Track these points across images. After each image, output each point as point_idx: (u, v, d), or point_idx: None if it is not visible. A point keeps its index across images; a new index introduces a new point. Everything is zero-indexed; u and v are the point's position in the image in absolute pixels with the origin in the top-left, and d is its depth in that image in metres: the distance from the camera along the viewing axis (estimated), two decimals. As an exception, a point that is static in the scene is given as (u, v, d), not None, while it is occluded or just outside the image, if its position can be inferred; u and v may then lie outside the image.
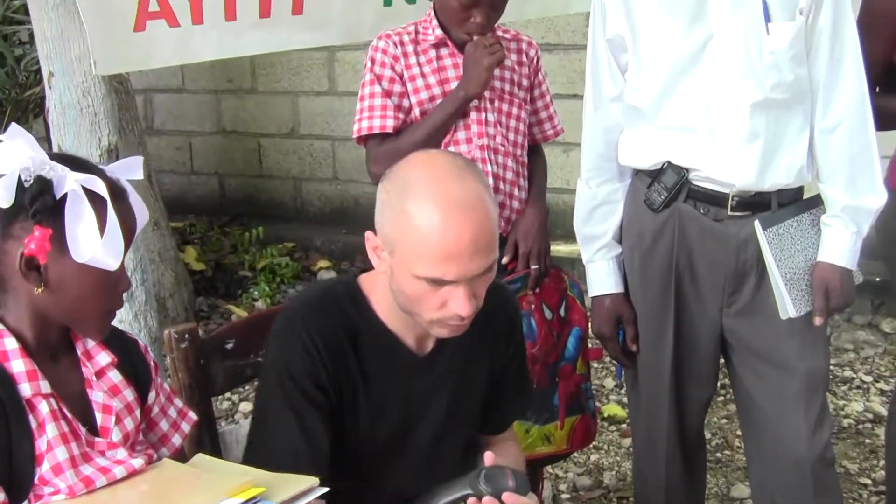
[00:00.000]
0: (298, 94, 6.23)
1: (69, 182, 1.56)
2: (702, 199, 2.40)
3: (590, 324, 2.72)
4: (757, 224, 2.35)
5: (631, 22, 2.39)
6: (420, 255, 1.70)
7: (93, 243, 1.56)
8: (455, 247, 1.68)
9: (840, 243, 2.36)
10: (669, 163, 2.40)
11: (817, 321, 2.37)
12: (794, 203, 2.42)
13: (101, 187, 1.58)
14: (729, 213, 2.38)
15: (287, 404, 1.81)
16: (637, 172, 2.50)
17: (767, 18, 2.25)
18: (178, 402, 1.88)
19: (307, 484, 1.59)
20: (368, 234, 1.81)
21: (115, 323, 1.73)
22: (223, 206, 6.58)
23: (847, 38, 2.31)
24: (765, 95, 2.30)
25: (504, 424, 2.13)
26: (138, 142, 4.85)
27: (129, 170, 1.70)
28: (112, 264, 1.58)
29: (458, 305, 1.73)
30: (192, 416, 1.89)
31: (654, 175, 2.43)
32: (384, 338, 1.90)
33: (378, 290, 1.89)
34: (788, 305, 2.36)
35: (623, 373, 2.73)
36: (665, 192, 2.41)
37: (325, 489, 1.59)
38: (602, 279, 2.57)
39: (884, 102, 2.53)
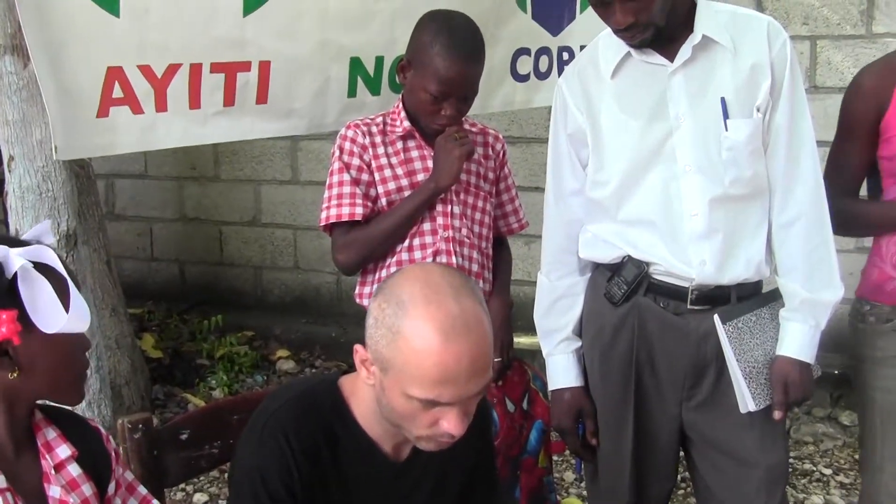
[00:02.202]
0: (261, 183, 6.22)
1: (15, 260, 1.54)
2: (662, 292, 2.41)
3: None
4: (716, 318, 2.36)
5: (592, 118, 2.41)
6: (415, 377, 1.66)
7: (58, 312, 1.55)
8: (453, 371, 1.65)
9: (798, 337, 2.37)
10: (629, 257, 2.41)
11: (776, 415, 2.37)
12: (754, 297, 2.43)
13: (48, 256, 1.58)
14: (689, 306, 2.39)
15: None
16: (597, 266, 2.52)
17: (726, 115, 2.29)
18: (142, 490, 1.83)
19: None
20: (358, 347, 1.78)
21: (68, 412, 1.70)
22: (183, 293, 6.51)
23: (804, 135, 2.34)
24: (724, 191, 2.32)
25: None
26: (98, 227, 4.81)
27: (44, 235, 1.68)
28: (83, 326, 1.58)
29: (451, 426, 1.70)
30: (156, 503, 1.85)
31: (615, 269, 2.44)
32: (363, 444, 1.86)
33: (358, 394, 1.86)
34: (748, 399, 2.36)
35: (583, 466, 2.71)
36: (625, 285, 2.42)
37: None
38: (562, 373, 2.56)
39: (856, 208, 2.57)
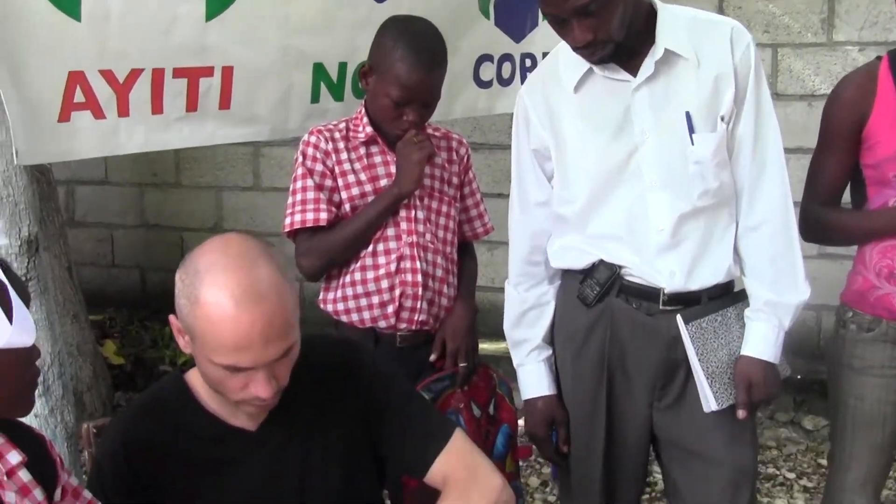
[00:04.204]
0: (223, 189, 6.20)
1: None
2: (634, 293, 2.42)
3: (521, 423, 2.71)
4: (679, 319, 2.37)
5: (555, 133, 2.41)
6: (213, 344, 1.71)
7: (2, 327, 1.51)
8: (246, 337, 1.69)
9: (762, 337, 2.39)
10: (601, 260, 2.42)
11: (740, 414, 2.38)
12: (723, 297, 2.44)
13: None
14: (661, 307, 2.39)
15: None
16: (568, 271, 2.51)
17: (692, 129, 2.29)
18: (87, 495, 1.81)
19: None
20: (171, 317, 1.82)
21: (31, 419, 1.67)
22: (144, 299, 6.46)
23: (769, 139, 2.34)
24: (691, 205, 2.33)
25: (423, 465, 1.99)
26: (59, 233, 4.77)
27: None
28: (27, 340, 1.54)
29: (257, 389, 1.75)
30: None
31: (587, 271, 2.45)
32: (210, 424, 1.92)
33: (200, 377, 1.90)
34: (710, 399, 2.37)
35: (558, 472, 2.71)
36: (597, 286, 2.43)
37: None
38: (534, 382, 2.56)
39: (836, 218, 2.60)
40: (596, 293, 2.43)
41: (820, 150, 2.59)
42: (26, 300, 1.60)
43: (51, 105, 2.62)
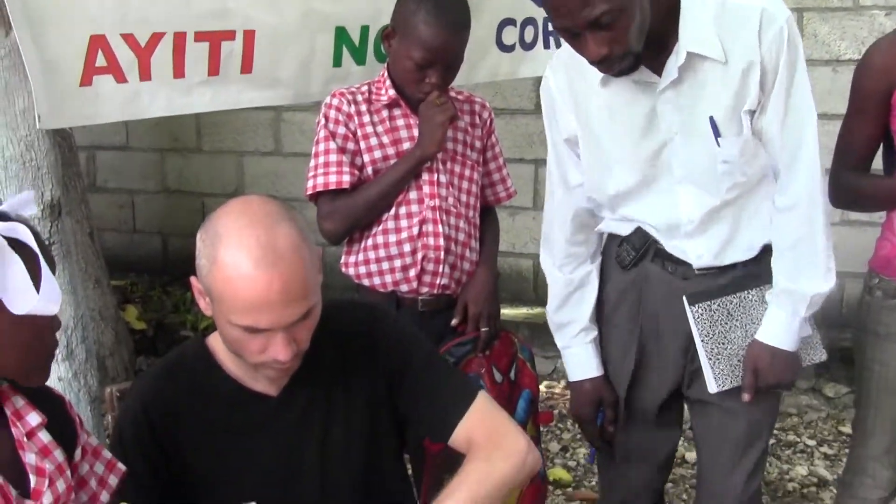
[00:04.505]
0: (244, 154, 6.19)
1: None
2: (669, 259, 2.41)
3: (542, 388, 2.71)
4: (685, 299, 2.37)
5: (583, 124, 2.38)
6: (232, 305, 1.71)
7: (29, 294, 1.50)
8: (265, 297, 1.68)
9: (775, 323, 2.36)
10: (638, 227, 2.41)
11: (744, 397, 2.38)
12: (741, 277, 2.41)
13: (24, 234, 1.53)
14: (696, 272, 2.40)
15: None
16: (608, 235, 2.52)
17: (717, 133, 2.24)
18: (106, 454, 1.82)
19: None
20: (192, 279, 1.82)
21: (55, 382, 1.67)
22: (165, 265, 6.48)
23: (801, 128, 2.24)
24: (721, 199, 2.31)
25: (446, 428, 1.98)
26: (81, 198, 4.78)
27: (24, 206, 1.64)
28: (53, 309, 1.54)
29: (276, 351, 1.75)
30: (121, 467, 1.82)
31: (624, 237, 2.45)
32: (232, 388, 1.92)
33: (222, 342, 1.90)
34: (710, 380, 2.39)
35: (595, 456, 2.74)
36: (633, 251, 2.43)
37: None
38: (582, 364, 2.55)
39: (865, 183, 2.57)
40: (632, 257, 2.43)
41: (850, 116, 2.57)
42: (52, 267, 1.60)
43: (72, 69, 2.62)
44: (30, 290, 1.50)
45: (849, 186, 2.54)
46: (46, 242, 1.70)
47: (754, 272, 2.40)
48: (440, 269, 2.75)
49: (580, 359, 2.55)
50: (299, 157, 5.78)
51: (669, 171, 2.32)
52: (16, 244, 1.52)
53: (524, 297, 5.55)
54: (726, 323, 2.38)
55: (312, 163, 2.72)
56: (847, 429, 4.55)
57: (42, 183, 2.85)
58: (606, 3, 2.00)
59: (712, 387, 2.39)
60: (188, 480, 1.90)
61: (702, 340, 2.37)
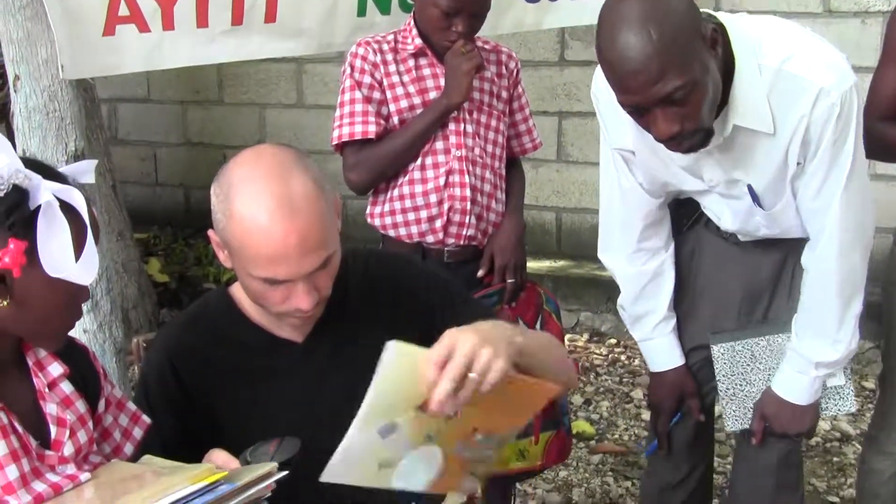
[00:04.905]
0: (265, 107, 6.18)
1: (44, 193, 1.48)
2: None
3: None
4: (709, 335, 2.41)
5: (636, 143, 2.28)
6: (249, 257, 1.69)
7: (68, 258, 1.48)
8: (281, 248, 1.66)
9: (786, 377, 2.37)
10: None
11: (752, 441, 2.42)
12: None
13: (77, 199, 1.51)
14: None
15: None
16: None
17: (755, 199, 2.21)
18: (131, 407, 1.81)
19: (266, 469, 1.56)
20: (210, 232, 1.79)
21: (80, 334, 1.66)
22: (188, 218, 6.49)
23: (832, 201, 2.16)
24: (763, 235, 2.33)
25: None
26: (103, 151, 4.78)
27: (84, 174, 1.63)
28: (87, 279, 1.51)
29: (297, 301, 1.73)
30: (146, 419, 1.81)
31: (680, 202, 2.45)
32: (257, 335, 1.91)
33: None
34: (726, 419, 2.45)
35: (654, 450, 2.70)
36: (686, 217, 2.43)
37: (284, 473, 1.57)
38: (665, 355, 2.53)
39: (892, 132, 2.53)
40: (686, 222, 2.43)
41: (882, 64, 2.54)
42: (97, 240, 1.58)
43: (95, 19, 2.60)
44: (69, 255, 1.49)
45: (882, 136, 2.51)
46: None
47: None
48: (466, 220, 2.73)
49: (662, 350, 2.52)
50: (322, 110, 5.76)
51: (711, 198, 2.32)
52: (67, 209, 1.50)
53: (547, 250, 5.53)
54: (748, 364, 2.39)
55: (338, 112, 2.70)
56: (870, 384, 4.53)
57: (66, 134, 2.83)
58: (679, 78, 1.87)
59: (727, 425, 2.43)
60: (214, 429, 1.88)
61: (719, 380, 2.40)
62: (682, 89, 1.88)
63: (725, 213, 2.32)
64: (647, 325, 2.50)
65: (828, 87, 2.02)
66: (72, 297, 1.56)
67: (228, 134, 6.31)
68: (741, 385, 2.41)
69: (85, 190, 1.59)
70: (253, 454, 1.68)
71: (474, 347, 1.53)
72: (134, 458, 1.75)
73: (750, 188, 2.18)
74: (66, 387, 1.65)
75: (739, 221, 2.32)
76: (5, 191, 1.46)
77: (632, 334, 2.59)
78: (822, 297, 2.26)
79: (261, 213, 1.65)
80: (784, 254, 2.38)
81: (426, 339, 1.97)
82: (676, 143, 2.01)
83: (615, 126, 2.26)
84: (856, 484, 2.85)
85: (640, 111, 1.96)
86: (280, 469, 1.61)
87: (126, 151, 6.50)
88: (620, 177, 2.37)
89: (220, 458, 1.66)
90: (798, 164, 2.12)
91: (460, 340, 1.54)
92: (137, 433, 1.80)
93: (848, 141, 2.09)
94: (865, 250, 2.25)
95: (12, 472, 1.50)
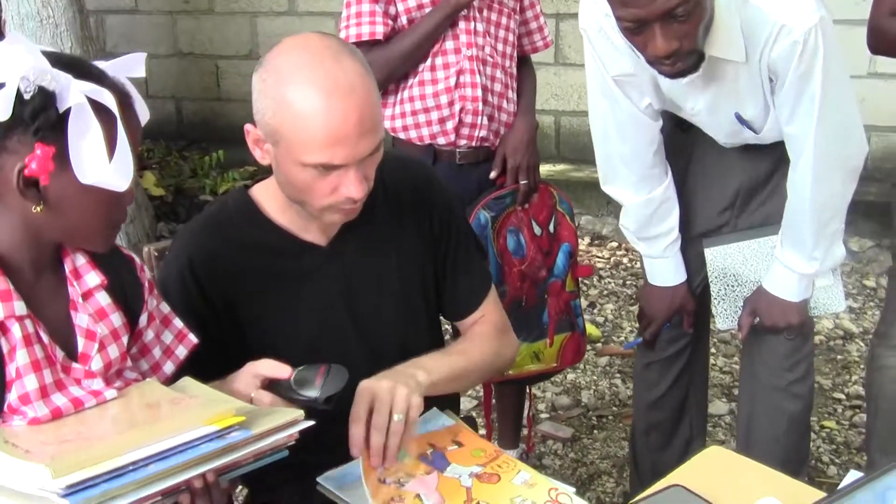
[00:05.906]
0: (257, 15, 6.07)
1: (73, 94, 1.40)
2: None
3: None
4: (704, 241, 2.45)
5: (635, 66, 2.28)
6: (306, 142, 1.65)
7: (100, 164, 1.42)
8: (342, 129, 1.63)
9: (776, 274, 2.40)
10: None
11: (740, 334, 2.50)
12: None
13: (108, 99, 1.43)
14: None
15: None
16: None
17: (742, 123, 2.25)
18: (178, 324, 1.75)
19: (291, 416, 1.52)
20: (248, 126, 1.75)
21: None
22: (180, 130, 6.43)
23: (806, 134, 2.19)
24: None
25: (463, 310, 2.05)
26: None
27: (131, 68, 1.56)
28: (122, 185, 1.44)
29: (350, 189, 1.70)
30: (192, 338, 1.75)
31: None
32: (281, 238, 1.88)
33: (270, 191, 1.87)
34: (717, 317, 2.50)
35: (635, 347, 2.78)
36: (686, 122, 2.42)
37: (311, 423, 1.52)
38: (670, 273, 2.56)
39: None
40: (687, 124, 2.41)
41: None
42: (137, 141, 1.51)
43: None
44: (102, 160, 1.42)
45: (887, 32, 2.46)
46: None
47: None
48: (478, 121, 2.69)
49: (668, 268, 2.55)
50: (314, 17, 5.66)
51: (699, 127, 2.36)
52: (99, 109, 1.43)
53: (546, 153, 5.48)
54: (741, 266, 2.43)
55: (345, 13, 2.64)
56: (871, 282, 4.56)
57: (61, 41, 2.79)
58: None
59: (718, 323, 2.46)
60: (238, 337, 1.86)
61: (710, 281, 2.44)
62: (685, 4, 1.90)
63: (714, 132, 2.37)
64: (656, 246, 2.53)
65: (789, 24, 2.04)
66: (109, 201, 1.48)
67: (220, 43, 6.21)
68: (733, 286, 2.45)
69: (130, 86, 1.53)
70: (298, 379, 1.64)
71: (391, 391, 1.68)
72: (174, 379, 1.69)
73: (738, 115, 2.22)
74: (103, 298, 1.59)
75: (728, 137, 2.36)
76: (31, 93, 1.39)
77: (637, 249, 2.61)
78: (800, 217, 2.31)
79: (318, 94, 1.62)
80: (782, 153, 2.37)
81: (429, 259, 1.96)
82: (671, 63, 2.01)
83: (610, 53, 2.27)
84: (865, 380, 2.86)
85: (639, 27, 1.95)
86: (325, 403, 1.60)
87: (115, 64, 6.40)
88: (615, 108, 2.37)
89: (266, 368, 1.66)
90: (771, 80, 2.15)
91: (377, 390, 1.68)
92: (181, 352, 1.74)
93: (814, 75, 2.09)
94: (848, 176, 2.27)
95: (31, 383, 1.45)
